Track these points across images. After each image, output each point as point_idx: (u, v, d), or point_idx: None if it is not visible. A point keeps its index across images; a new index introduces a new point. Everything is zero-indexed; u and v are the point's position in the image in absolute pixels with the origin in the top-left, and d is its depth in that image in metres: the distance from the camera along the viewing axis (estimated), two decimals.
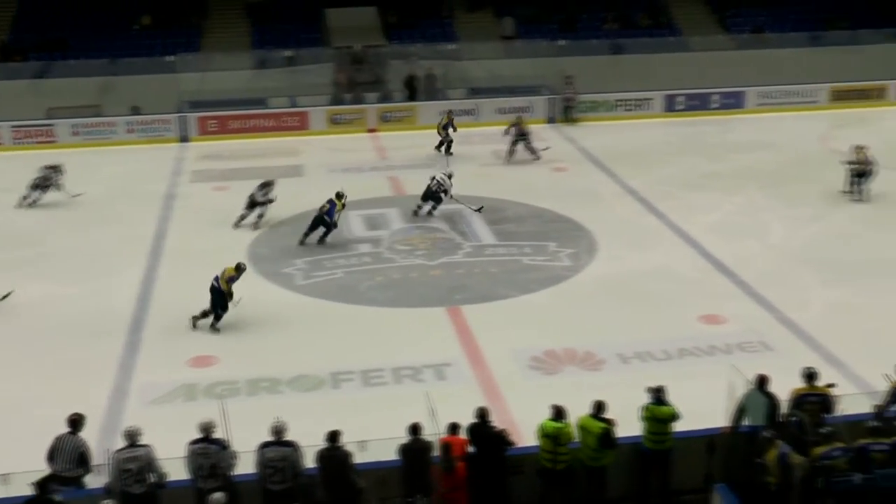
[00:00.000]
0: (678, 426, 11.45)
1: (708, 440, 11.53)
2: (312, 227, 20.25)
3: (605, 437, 11.12)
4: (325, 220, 20.15)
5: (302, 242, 20.31)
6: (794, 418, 11.37)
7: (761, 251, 19.99)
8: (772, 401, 11.28)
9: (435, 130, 27.86)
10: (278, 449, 10.50)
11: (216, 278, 16.61)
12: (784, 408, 11.41)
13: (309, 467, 10.56)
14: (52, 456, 10.78)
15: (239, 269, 16.75)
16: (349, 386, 14.71)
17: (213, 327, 16.53)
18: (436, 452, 10.69)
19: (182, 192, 24.78)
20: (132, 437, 10.51)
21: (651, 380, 11.93)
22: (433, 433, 10.73)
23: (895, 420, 11.24)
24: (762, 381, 11.39)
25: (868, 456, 10.49)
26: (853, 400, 11.84)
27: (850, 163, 23.10)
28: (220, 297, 16.51)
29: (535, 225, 21.64)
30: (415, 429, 10.78)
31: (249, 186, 22.14)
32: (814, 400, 11.45)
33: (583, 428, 11.24)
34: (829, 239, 20.76)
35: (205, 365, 15.30)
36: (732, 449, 11.36)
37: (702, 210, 22.48)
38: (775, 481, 10.27)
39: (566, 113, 31.22)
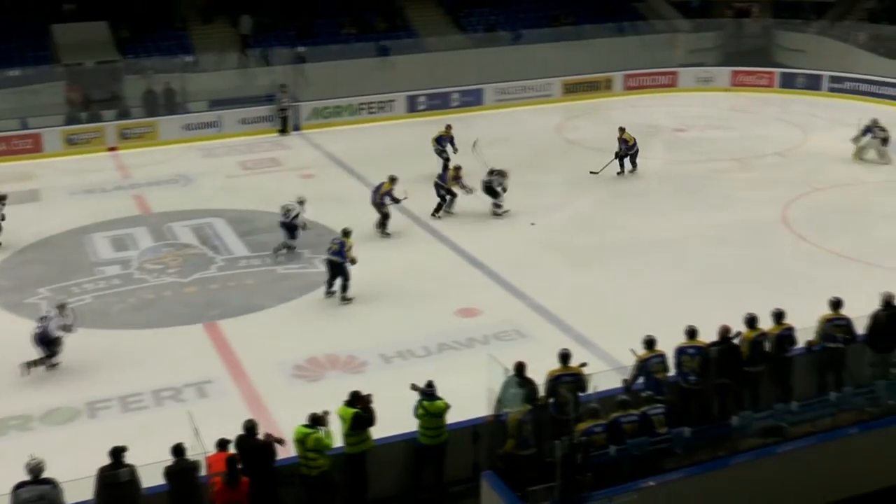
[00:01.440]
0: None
1: (473, 430, 11.85)
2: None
3: (357, 419, 11.36)
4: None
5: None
6: (552, 399, 11.91)
7: (509, 241, 20.73)
8: (529, 385, 11.73)
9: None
10: (35, 488, 9.97)
11: (337, 252, 17.60)
12: (542, 391, 11.90)
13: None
14: None
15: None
16: (107, 414, 14.18)
17: (346, 299, 17.67)
18: (203, 472, 10.48)
19: None
20: (35, 472, 10.05)
21: (414, 377, 12.16)
22: (200, 452, 10.49)
23: (642, 393, 11.97)
24: (519, 368, 11.81)
25: (620, 428, 11.12)
26: (605, 377, 12.49)
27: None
28: (340, 269, 17.53)
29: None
30: (178, 450, 10.50)
31: None
32: (568, 380, 11.99)
33: (341, 417, 11.46)
34: (573, 224, 21.79)
35: None
36: (495, 436, 11.73)
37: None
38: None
39: (283, 123, 30.74)
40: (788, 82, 35.29)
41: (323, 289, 18.08)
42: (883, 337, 13.20)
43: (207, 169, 26.84)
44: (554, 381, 11.96)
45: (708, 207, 22.70)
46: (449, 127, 25.94)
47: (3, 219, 20.81)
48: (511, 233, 21.25)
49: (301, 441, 11.16)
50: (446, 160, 24.73)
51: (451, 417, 11.87)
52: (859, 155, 25.92)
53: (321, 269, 19.23)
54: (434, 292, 18.13)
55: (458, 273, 19.18)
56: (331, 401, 11.77)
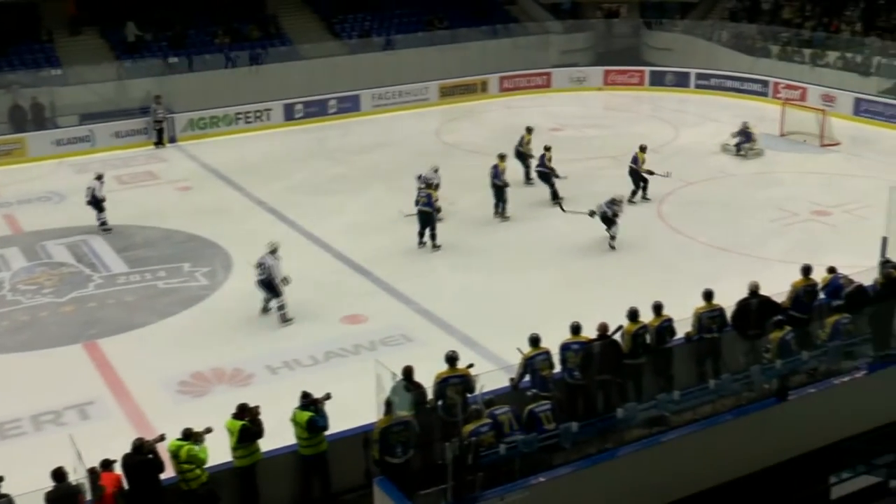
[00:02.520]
0: (335, 427, 11.67)
1: (364, 437, 11.80)
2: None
3: (245, 431, 11.27)
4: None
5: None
6: (440, 401, 11.94)
7: (392, 247, 20.71)
8: (417, 390, 11.74)
9: None
10: None
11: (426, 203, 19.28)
12: (430, 393, 11.93)
13: None
14: None
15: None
16: None
17: (436, 246, 19.61)
18: (88, 496, 10.19)
19: None
20: None
21: (301, 387, 12.05)
22: (82, 476, 10.19)
23: (528, 391, 12.11)
24: (406, 373, 11.81)
25: (497, 419, 11.23)
26: (492, 376, 12.58)
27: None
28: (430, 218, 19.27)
29: (167, 247, 21.08)
30: (58, 475, 10.19)
31: None
32: (456, 382, 12.04)
33: (228, 430, 11.36)
34: (456, 227, 21.87)
35: None
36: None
37: (332, 213, 22.94)
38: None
39: (159, 135, 30.02)
40: (658, 80, 36.20)
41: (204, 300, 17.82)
42: (753, 325, 13.63)
43: (81, 185, 25.86)
44: (442, 383, 11.99)
45: (586, 204, 23.01)
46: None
47: (103, 200, 21.90)
48: (395, 238, 21.22)
49: (175, 454, 10.97)
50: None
51: (340, 425, 11.82)
52: (742, 154, 26.81)
53: (203, 282, 18.98)
54: (319, 301, 17.99)
55: (342, 281, 19.09)
56: (218, 415, 11.59)
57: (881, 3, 35.50)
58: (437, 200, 20.25)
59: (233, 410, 11.52)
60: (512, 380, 12.56)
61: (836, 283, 14.50)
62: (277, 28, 36.31)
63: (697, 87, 35.45)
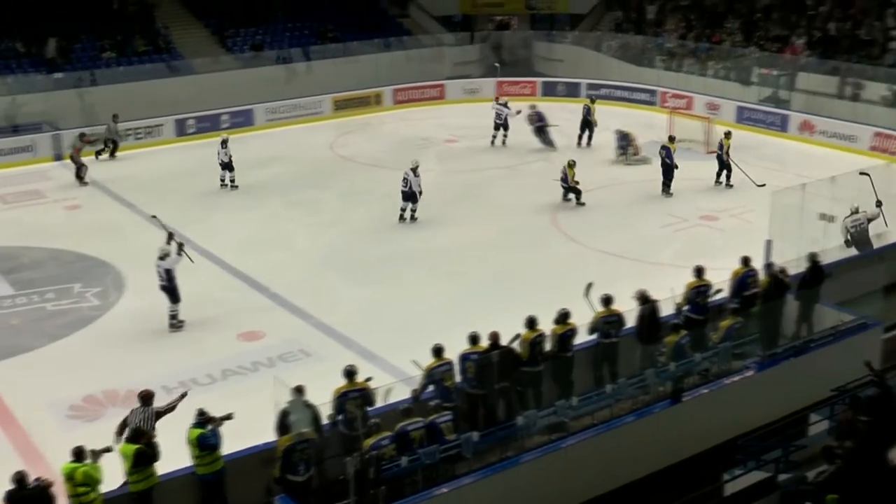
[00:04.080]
0: (234, 445, 11.45)
1: (262, 455, 11.60)
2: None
3: (140, 455, 10.95)
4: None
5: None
6: (340, 416, 11.82)
7: (290, 261, 20.50)
8: (313, 408, 11.58)
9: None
10: None
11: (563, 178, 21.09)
12: (329, 409, 11.80)
13: None
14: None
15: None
16: None
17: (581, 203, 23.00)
18: None
19: None
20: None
21: (199, 405, 11.76)
22: None
23: (430, 402, 12.06)
24: (299, 391, 11.62)
25: (408, 436, 11.16)
26: (393, 389, 12.50)
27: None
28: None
29: (56, 268, 20.45)
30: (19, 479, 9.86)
31: None
32: (355, 396, 11.92)
33: (123, 455, 11.04)
34: (351, 240, 21.76)
35: None
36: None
37: (227, 229, 22.58)
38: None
39: (112, 153, 29.48)
40: (550, 90, 36.66)
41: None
42: (648, 330, 13.85)
43: None
44: (341, 397, 11.87)
45: (484, 214, 23.22)
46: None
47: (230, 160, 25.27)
48: (292, 252, 21.01)
49: (70, 477, 10.59)
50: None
51: (239, 443, 11.60)
52: (623, 159, 27.26)
53: (95, 302, 18.49)
54: (215, 318, 17.68)
55: (239, 297, 18.78)
56: (112, 439, 11.25)
57: (759, 16, 36.63)
58: (573, 177, 23.15)
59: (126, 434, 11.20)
60: (414, 391, 12.50)
61: (745, 278, 14.91)
62: (167, 42, 35.66)
63: (587, 97, 35.93)
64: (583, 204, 23.70)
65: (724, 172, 25.11)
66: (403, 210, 22.55)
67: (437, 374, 12.42)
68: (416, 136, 29.75)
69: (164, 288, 17.22)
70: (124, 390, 14.94)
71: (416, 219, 22.55)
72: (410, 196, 22.44)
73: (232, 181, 25.84)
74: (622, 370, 13.62)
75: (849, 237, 18.31)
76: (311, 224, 22.86)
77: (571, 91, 36.06)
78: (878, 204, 18.36)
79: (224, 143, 25.78)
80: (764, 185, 23.37)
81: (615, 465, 12.25)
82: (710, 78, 34.46)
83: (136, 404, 12.07)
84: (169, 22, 36.43)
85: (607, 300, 13.88)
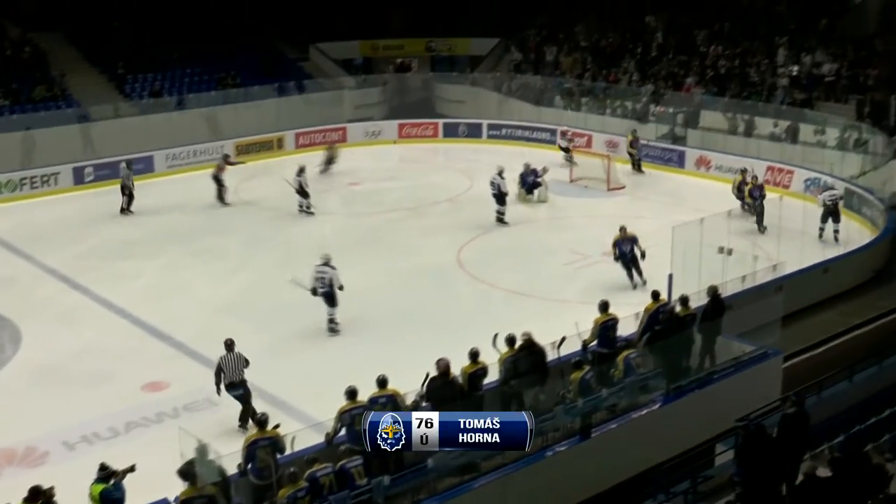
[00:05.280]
0: (138, 500, 11.15)
1: None
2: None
3: (105, 496, 10.85)
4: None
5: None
6: (250, 465, 11.61)
7: (193, 309, 20.13)
8: (216, 463, 11.34)
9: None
10: None
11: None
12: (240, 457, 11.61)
13: None
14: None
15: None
16: None
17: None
18: None
19: None
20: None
21: (102, 460, 11.47)
22: None
23: (341, 446, 11.95)
24: (203, 446, 11.34)
25: (318, 482, 11.01)
26: (304, 435, 12.39)
27: None
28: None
29: None
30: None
31: None
32: (265, 444, 11.74)
33: (90, 497, 10.92)
34: (255, 286, 21.50)
35: None
36: None
37: (127, 278, 22.11)
38: None
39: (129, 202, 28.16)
40: (451, 131, 36.97)
41: None
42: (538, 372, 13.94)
43: None
44: (251, 446, 11.69)
45: (388, 257, 23.20)
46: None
47: (307, 186, 26.26)
48: (194, 301, 20.66)
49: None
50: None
51: (145, 497, 11.30)
52: (529, 200, 27.51)
53: None
54: (116, 369, 17.24)
55: (141, 347, 18.36)
56: (11, 500, 10.85)
57: (653, 55, 37.62)
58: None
59: (24, 495, 10.80)
60: (327, 435, 12.36)
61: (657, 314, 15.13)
62: (63, 89, 34.98)
63: (490, 137, 36.46)
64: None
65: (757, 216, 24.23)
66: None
67: (350, 417, 12.31)
68: (318, 180, 29.62)
69: (324, 294, 18.39)
70: (22, 448, 14.48)
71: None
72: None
73: (308, 207, 26.67)
74: (532, 407, 13.66)
75: (825, 209, 22.96)
76: (213, 271, 22.55)
77: (473, 132, 36.50)
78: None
79: (302, 170, 26.68)
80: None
81: (528, 502, 12.26)
82: (608, 116, 35.17)
83: (34, 463, 11.70)
84: (64, 68, 35.73)
85: (511, 340, 13.94)
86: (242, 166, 30.82)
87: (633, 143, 31.24)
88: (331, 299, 18.57)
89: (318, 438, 12.39)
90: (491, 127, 36.43)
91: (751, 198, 24.62)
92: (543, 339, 14.17)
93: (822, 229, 23.38)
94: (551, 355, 14.17)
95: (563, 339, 14.38)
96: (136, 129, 33.10)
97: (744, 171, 25.96)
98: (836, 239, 23.06)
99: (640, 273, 20.39)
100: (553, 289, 20.68)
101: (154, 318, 19.48)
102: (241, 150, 34.16)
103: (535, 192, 27.60)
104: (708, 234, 17.92)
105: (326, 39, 42.42)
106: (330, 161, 31.90)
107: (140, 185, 29.22)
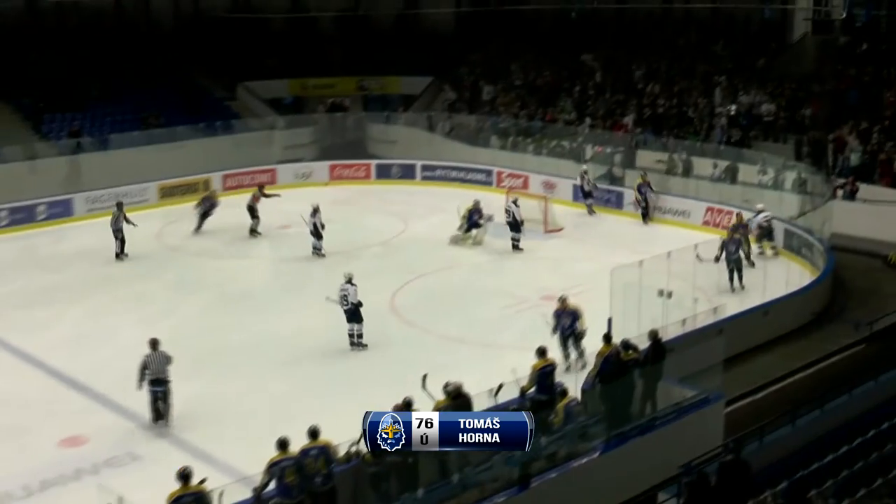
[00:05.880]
0: None
1: None
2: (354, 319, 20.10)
3: None
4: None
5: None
6: None
7: (115, 358, 19.71)
8: None
9: None
10: None
11: None
12: None
13: None
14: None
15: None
16: None
17: None
18: None
19: None
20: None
21: None
22: None
23: (271, 501, 11.81)
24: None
25: None
26: (231, 490, 12.18)
27: None
28: None
29: None
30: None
31: None
32: (189, 500, 11.57)
33: None
34: (180, 333, 21.18)
35: None
36: None
37: (46, 326, 21.75)
38: None
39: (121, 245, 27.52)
40: (384, 173, 37.09)
41: None
42: None
43: None
44: (174, 503, 11.49)
45: (320, 302, 23.01)
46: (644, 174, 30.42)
47: (322, 227, 26.41)
48: (116, 349, 20.29)
49: None
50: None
51: None
52: (466, 240, 27.61)
53: None
54: (32, 423, 16.87)
55: (58, 399, 18.00)
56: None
57: (590, 94, 38.21)
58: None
59: None
60: (255, 489, 12.20)
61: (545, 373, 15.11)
62: None
63: (424, 178, 36.59)
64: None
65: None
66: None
67: (277, 471, 12.18)
68: (247, 224, 29.45)
69: (347, 310, 19.85)
70: None
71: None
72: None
73: (320, 249, 26.72)
74: (469, 458, 13.63)
75: (760, 231, 25.00)
76: (137, 318, 22.21)
77: (406, 173, 36.64)
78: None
79: (316, 210, 26.59)
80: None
81: None
82: (545, 157, 35.51)
83: None
84: None
85: (447, 389, 13.94)
86: (277, 199, 30.74)
87: (641, 188, 30.22)
88: (354, 315, 19.94)
89: (247, 493, 12.23)
90: (425, 168, 36.61)
91: (639, 193, 28.73)
92: (480, 387, 14.21)
93: (761, 250, 25.23)
94: (488, 403, 14.18)
95: (500, 386, 14.42)
96: (54, 171, 32.68)
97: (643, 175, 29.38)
98: (775, 253, 25.27)
99: (578, 352, 18.46)
100: (490, 334, 20.74)
101: (74, 369, 19.14)
102: (165, 192, 33.95)
103: (473, 231, 27.72)
104: (647, 277, 18.15)
105: (254, 78, 42.44)
106: (207, 214, 29.76)
107: (55, 230, 28.90)
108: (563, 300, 18.79)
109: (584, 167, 31.92)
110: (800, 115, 32.45)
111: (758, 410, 16.56)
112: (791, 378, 18.58)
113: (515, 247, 27.07)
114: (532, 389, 14.84)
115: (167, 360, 16.68)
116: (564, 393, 14.56)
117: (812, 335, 20.81)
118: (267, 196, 30.13)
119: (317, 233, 26.67)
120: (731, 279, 22.96)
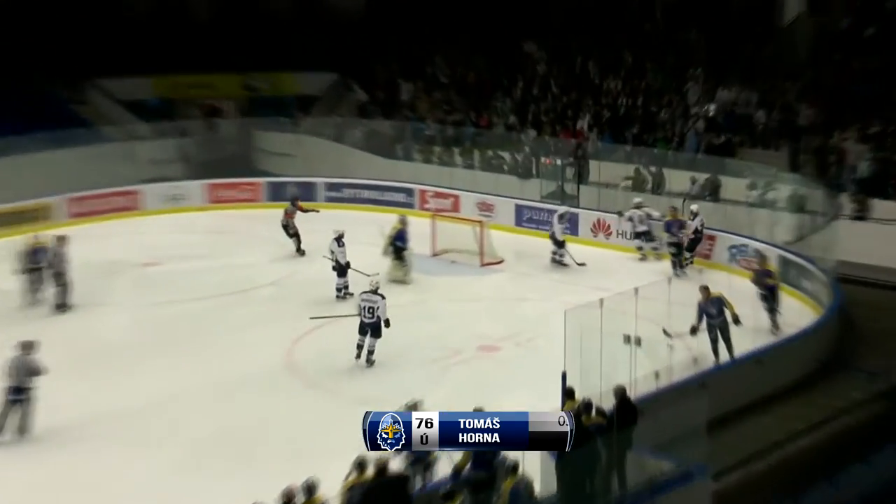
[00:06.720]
0: None
1: None
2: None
3: None
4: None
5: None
6: None
7: None
8: None
9: None
10: None
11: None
12: None
13: None
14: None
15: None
16: None
17: None
18: None
19: None
20: None
21: None
22: None
23: None
24: None
25: None
26: None
27: None
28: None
29: None
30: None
31: None
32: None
33: None
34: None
35: None
36: None
37: None
38: None
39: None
40: (278, 194, 36.68)
41: None
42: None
43: None
44: None
45: (199, 357, 22.73)
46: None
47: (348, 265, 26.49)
48: None
49: None
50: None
51: None
52: (398, 269, 27.43)
53: None
54: None
55: None
56: None
57: (536, 93, 38.31)
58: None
59: None
60: None
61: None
62: None
63: (328, 199, 36.41)
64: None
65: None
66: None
67: None
68: (102, 261, 29.00)
69: (369, 324, 21.59)
70: None
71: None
72: None
73: (347, 288, 26.43)
74: None
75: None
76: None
77: (306, 194, 36.28)
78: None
79: (340, 238, 26.63)
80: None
81: None
82: (480, 171, 35.53)
83: None
84: None
85: (360, 465, 13.77)
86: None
87: (671, 227, 28.21)
88: (376, 330, 21.69)
89: None
90: (329, 187, 36.48)
91: (669, 233, 28.06)
92: (404, 461, 14.04)
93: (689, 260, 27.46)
94: (416, 482, 14.02)
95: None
96: None
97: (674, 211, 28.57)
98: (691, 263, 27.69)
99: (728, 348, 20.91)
100: (414, 395, 20.50)
101: None
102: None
103: (405, 257, 27.51)
104: (610, 319, 18.04)
105: (109, 74, 41.99)
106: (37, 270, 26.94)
107: None
108: (705, 289, 21.07)
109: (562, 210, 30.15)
110: (794, 115, 32.78)
111: (753, 486, 16.57)
112: (793, 444, 18.63)
113: (559, 262, 28.88)
114: (468, 466, 14.64)
115: (34, 370, 18.28)
116: (513, 469, 14.37)
117: (817, 389, 20.91)
118: (305, 211, 30.79)
119: (341, 269, 26.48)
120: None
